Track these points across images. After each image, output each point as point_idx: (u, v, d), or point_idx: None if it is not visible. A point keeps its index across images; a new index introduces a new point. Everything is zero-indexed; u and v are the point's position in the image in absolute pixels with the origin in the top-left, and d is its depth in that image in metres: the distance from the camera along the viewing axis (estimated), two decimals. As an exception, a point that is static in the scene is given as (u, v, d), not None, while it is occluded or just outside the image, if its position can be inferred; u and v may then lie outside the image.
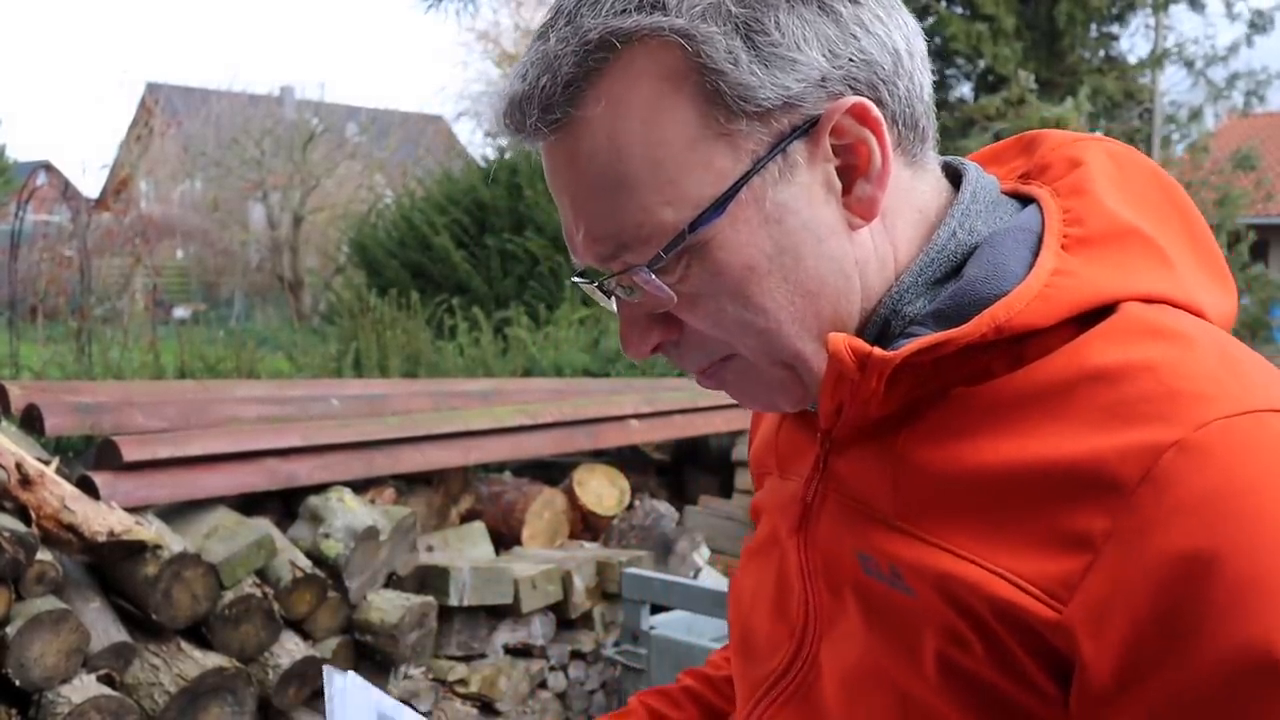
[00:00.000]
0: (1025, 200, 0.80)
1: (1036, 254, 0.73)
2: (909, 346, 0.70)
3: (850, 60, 0.72)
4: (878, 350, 0.70)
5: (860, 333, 0.76)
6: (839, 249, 0.74)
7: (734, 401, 0.84)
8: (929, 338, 0.70)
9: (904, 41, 0.75)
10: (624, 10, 0.70)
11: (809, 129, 0.72)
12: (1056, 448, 0.65)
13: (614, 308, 0.79)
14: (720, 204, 0.71)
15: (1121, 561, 0.62)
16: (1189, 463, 0.61)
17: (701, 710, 1.06)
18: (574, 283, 0.82)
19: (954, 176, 0.82)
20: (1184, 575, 0.60)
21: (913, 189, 0.77)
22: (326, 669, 0.99)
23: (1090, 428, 0.65)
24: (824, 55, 0.71)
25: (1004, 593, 0.65)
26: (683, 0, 0.70)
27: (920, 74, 0.76)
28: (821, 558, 0.78)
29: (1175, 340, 0.67)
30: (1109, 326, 0.69)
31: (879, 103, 0.73)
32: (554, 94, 0.71)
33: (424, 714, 3.37)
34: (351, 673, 1.01)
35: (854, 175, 0.73)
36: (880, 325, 0.76)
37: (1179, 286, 0.73)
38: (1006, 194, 0.82)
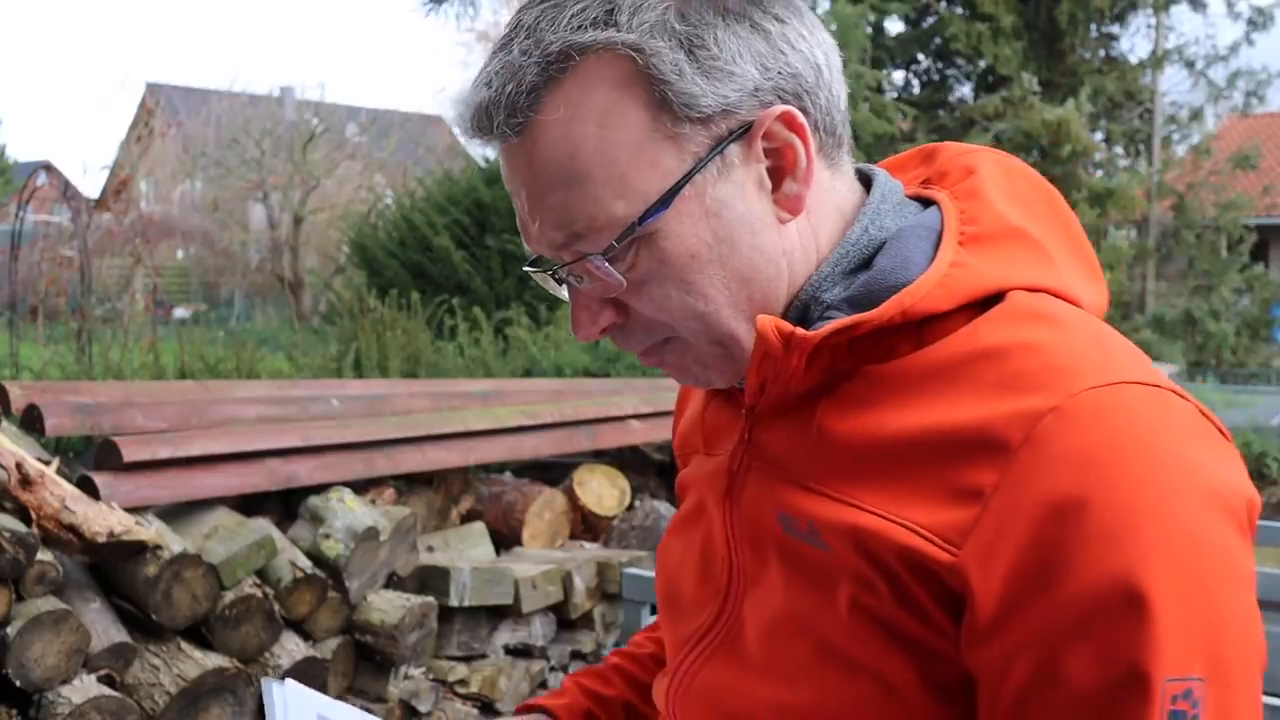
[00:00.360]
0: (925, 203, 0.90)
1: (937, 249, 0.83)
2: (827, 327, 0.80)
3: (779, 73, 0.82)
4: (800, 330, 0.80)
5: (784, 316, 0.85)
6: (770, 240, 0.83)
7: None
8: (844, 320, 0.80)
9: (824, 57, 0.85)
10: (581, 26, 0.79)
11: (744, 133, 0.81)
12: (953, 415, 0.76)
13: (564, 294, 0.88)
14: (667, 199, 0.80)
15: (1006, 508, 0.72)
16: (1063, 425, 0.72)
17: (629, 684, 1.16)
18: (525, 271, 0.91)
19: (865, 181, 0.92)
20: (1056, 518, 0.70)
21: (832, 189, 0.87)
22: (264, 681, 1.02)
23: (981, 398, 0.76)
24: (756, 68, 0.81)
25: (908, 541, 0.75)
26: (633, 17, 0.78)
27: (838, 86, 0.86)
28: (746, 521, 0.88)
29: (1053, 323, 0.78)
30: (998, 312, 0.80)
31: (804, 111, 0.82)
32: (518, 100, 0.79)
33: (425, 714, 3.38)
34: (290, 680, 1.03)
35: (782, 175, 0.83)
36: (801, 309, 0.85)
37: (1058, 279, 0.84)
38: (909, 198, 0.92)
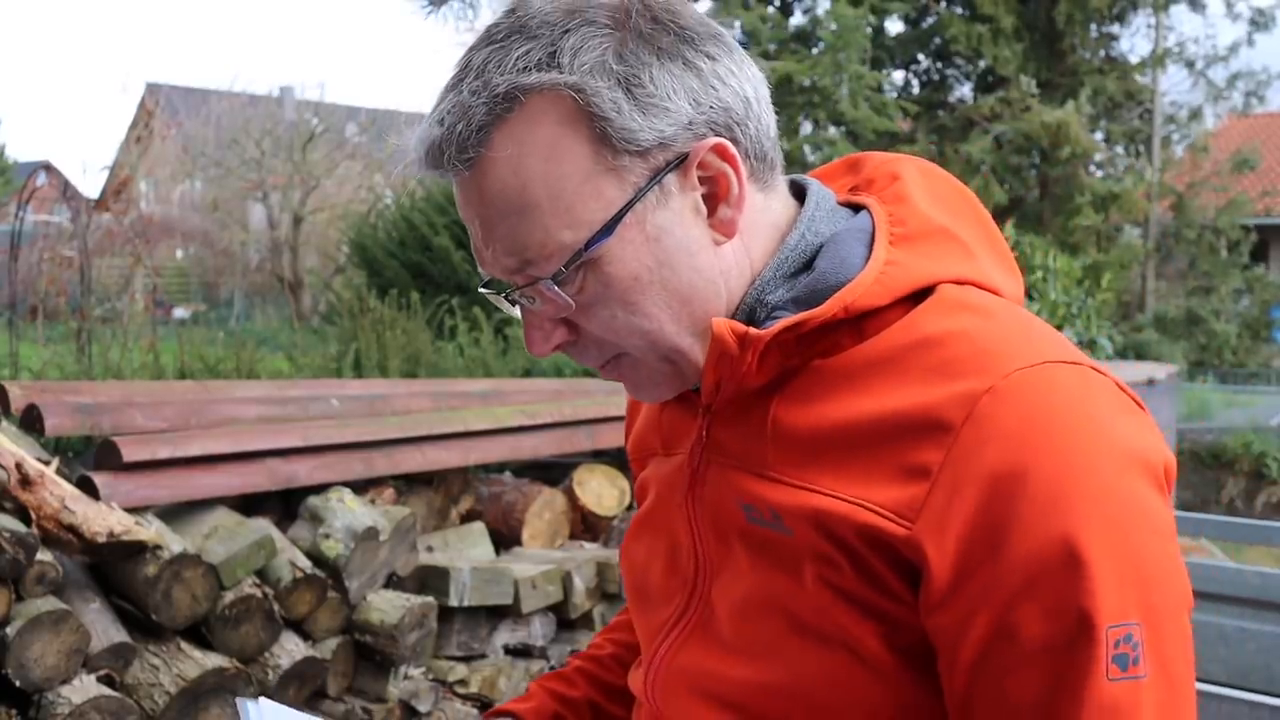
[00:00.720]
0: (855, 209, 0.97)
1: (869, 249, 0.91)
2: (777, 325, 0.87)
3: (711, 107, 0.88)
4: (753, 330, 0.87)
5: (731, 318, 0.91)
6: (707, 261, 0.89)
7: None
8: (793, 317, 0.87)
9: (753, 90, 0.91)
10: (526, 68, 0.84)
11: (679, 164, 0.87)
12: (897, 401, 0.83)
13: (517, 314, 0.94)
14: (610, 226, 0.86)
15: (953, 483, 0.79)
16: (1000, 403, 0.80)
17: (593, 684, 1.22)
18: (481, 292, 0.98)
19: (798, 191, 0.99)
20: (998, 489, 0.78)
21: (766, 208, 0.94)
22: (238, 700, 1.04)
23: (921, 383, 0.83)
24: (689, 104, 0.87)
25: (865, 519, 0.82)
26: (574, 59, 0.84)
27: (766, 116, 0.93)
28: (709, 513, 0.94)
29: (980, 312, 0.86)
30: (930, 304, 0.87)
31: (734, 141, 0.89)
32: (468, 137, 0.85)
33: (425, 714, 3.38)
34: (264, 699, 1.04)
35: (716, 201, 0.89)
36: (747, 313, 0.91)
37: (980, 272, 0.92)
38: (840, 204, 0.99)
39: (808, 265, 0.92)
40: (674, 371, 0.92)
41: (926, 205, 0.94)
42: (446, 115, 0.85)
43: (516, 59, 0.84)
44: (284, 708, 1.05)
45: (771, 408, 0.89)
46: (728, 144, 0.88)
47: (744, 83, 0.90)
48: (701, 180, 0.88)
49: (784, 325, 0.86)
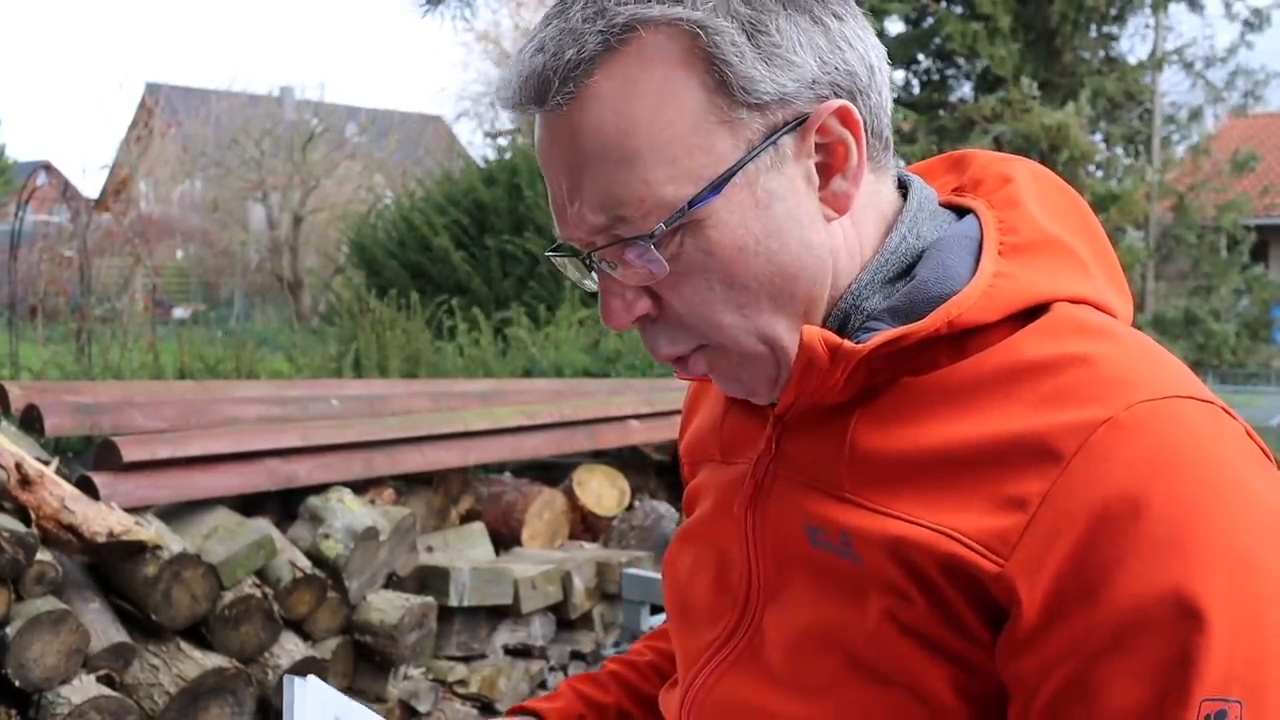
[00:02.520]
0: (958, 211, 0.89)
1: (976, 258, 0.82)
2: (875, 340, 0.78)
3: (836, 69, 0.80)
4: (847, 343, 0.78)
5: (824, 322, 0.83)
6: (817, 237, 0.81)
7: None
8: (892, 332, 0.78)
9: (876, 59, 0.84)
10: None
11: (798, 125, 0.79)
12: (1001, 426, 0.74)
13: (589, 284, 0.85)
14: (718, 185, 0.77)
15: (1055, 517, 0.70)
16: (1119, 436, 0.70)
17: (626, 692, 1.13)
18: (548, 256, 0.86)
19: (900, 187, 0.90)
20: (1107, 525, 0.68)
21: (876, 192, 0.85)
22: (286, 677, 0.99)
23: (1031, 410, 0.74)
24: (815, 61, 0.79)
25: (951, 549, 0.73)
26: None
27: (885, 90, 0.85)
28: (770, 532, 0.85)
29: (1102, 337, 0.77)
30: (1045, 324, 0.78)
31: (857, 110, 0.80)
32: (576, 67, 0.76)
33: (424, 714, 3.38)
34: (312, 677, 1.01)
35: (831, 172, 0.80)
36: (841, 319, 0.83)
37: (1097, 290, 0.83)
38: (941, 205, 0.90)
39: (907, 271, 0.83)
40: (770, 358, 0.82)
41: (1040, 213, 0.84)
42: (550, 42, 0.77)
43: None
44: (331, 689, 1.03)
45: (852, 424, 0.80)
46: (852, 108, 0.79)
47: (869, 49, 0.83)
48: (818, 147, 0.80)
49: (883, 340, 0.77)
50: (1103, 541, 0.68)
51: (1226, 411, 0.74)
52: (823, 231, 0.81)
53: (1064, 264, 0.82)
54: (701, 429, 1.01)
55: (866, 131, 0.81)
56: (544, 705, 1.12)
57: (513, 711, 1.12)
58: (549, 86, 0.77)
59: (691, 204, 0.77)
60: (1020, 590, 0.70)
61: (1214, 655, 0.66)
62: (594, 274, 0.83)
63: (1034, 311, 0.79)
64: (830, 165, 0.80)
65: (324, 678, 3.31)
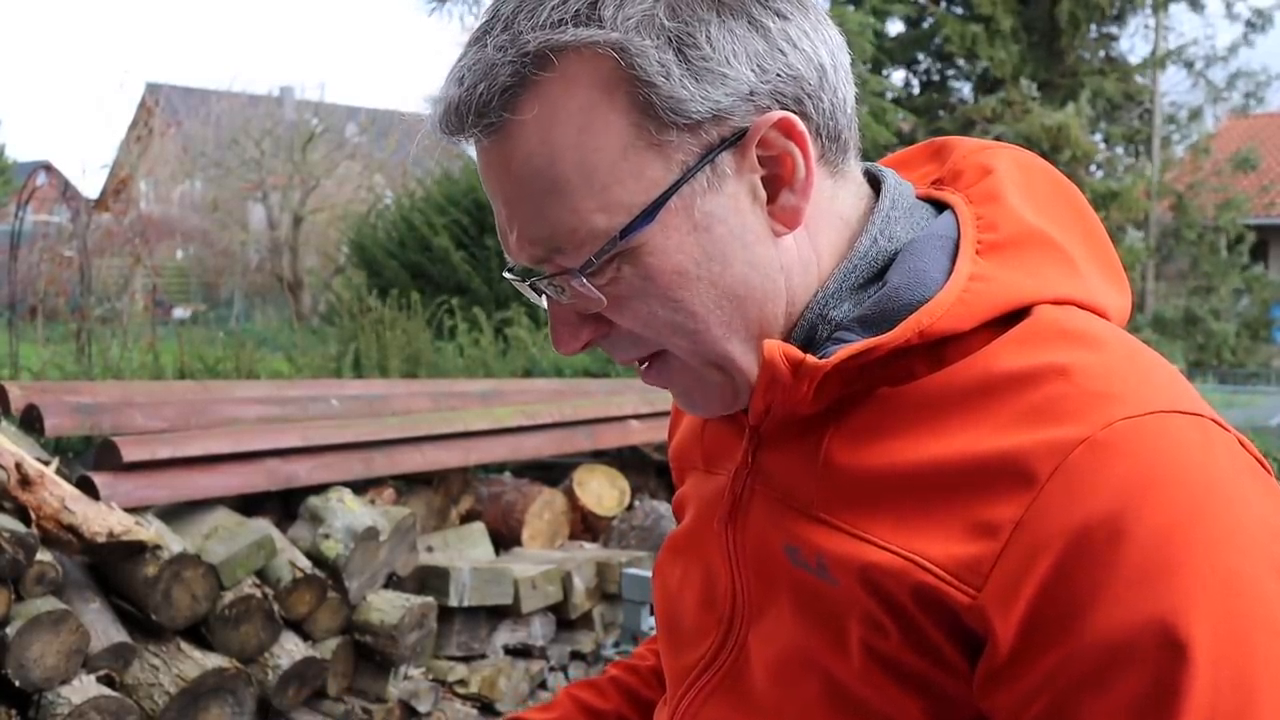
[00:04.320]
0: (938, 205, 0.84)
1: (953, 259, 0.77)
2: (839, 354, 0.74)
3: (778, 75, 0.75)
4: (810, 358, 0.74)
5: (788, 335, 0.79)
6: (764, 255, 0.77)
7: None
8: (858, 345, 0.74)
9: (829, 56, 0.78)
10: (560, 21, 0.72)
11: (736, 141, 0.74)
12: (974, 445, 0.69)
13: (544, 304, 0.82)
14: (651, 211, 0.74)
15: (1030, 544, 0.65)
16: (1097, 457, 0.65)
17: (627, 699, 1.10)
18: (505, 278, 0.84)
19: (874, 182, 0.85)
20: (1085, 552, 0.64)
21: (835, 197, 0.80)
22: None
23: (1006, 427, 0.69)
24: (752, 70, 0.74)
25: (922, 579, 0.69)
26: (618, 13, 0.72)
27: (844, 87, 0.79)
28: (751, 549, 0.81)
29: (1085, 343, 0.72)
30: (1023, 330, 0.73)
31: (804, 116, 0.76)
32: (490, 100, 0.73)
33: (424, 714, 3.38)
34: None
35: (779, 185, 0.76)
36: (807, 329, 0.79)
37: (1084, 289, 0.77)
38: (920, 199, 0.85)
39: (880, 276, 0.79)
40: (725, 381, 0.80)
41: (1023, 206, 0.79)
42: (467, 74, 0.74)
43: (552, 9, 0.72)
44: None
45: (826, 439, 0.76)
46: (794, 119, 0.74)
47: (819, 47, 0.77)
48: (762, 161, 0.75)
49: (848, 354, 0.73)
50: (1080, 569, 0.64)
51: (1217, 423, 0.70)
52: (772, 248, 0.77)
53: (1048, 262, 0.77)
54: (686, 435, 0.99)
55: (820, 136, 0.77)
56: (540, 716, 1.09)
57: None
58: (464, 119, 0.74)
59: (624, 234, 0.74)
60: (994, 621, 0.66)
61: (1198, 687, 0.62)
62: (544, 296, 0.81)
63: (1015, 316, 0.74)
64: (778, 177, 0.76)
65: (324, 678, 3.32)
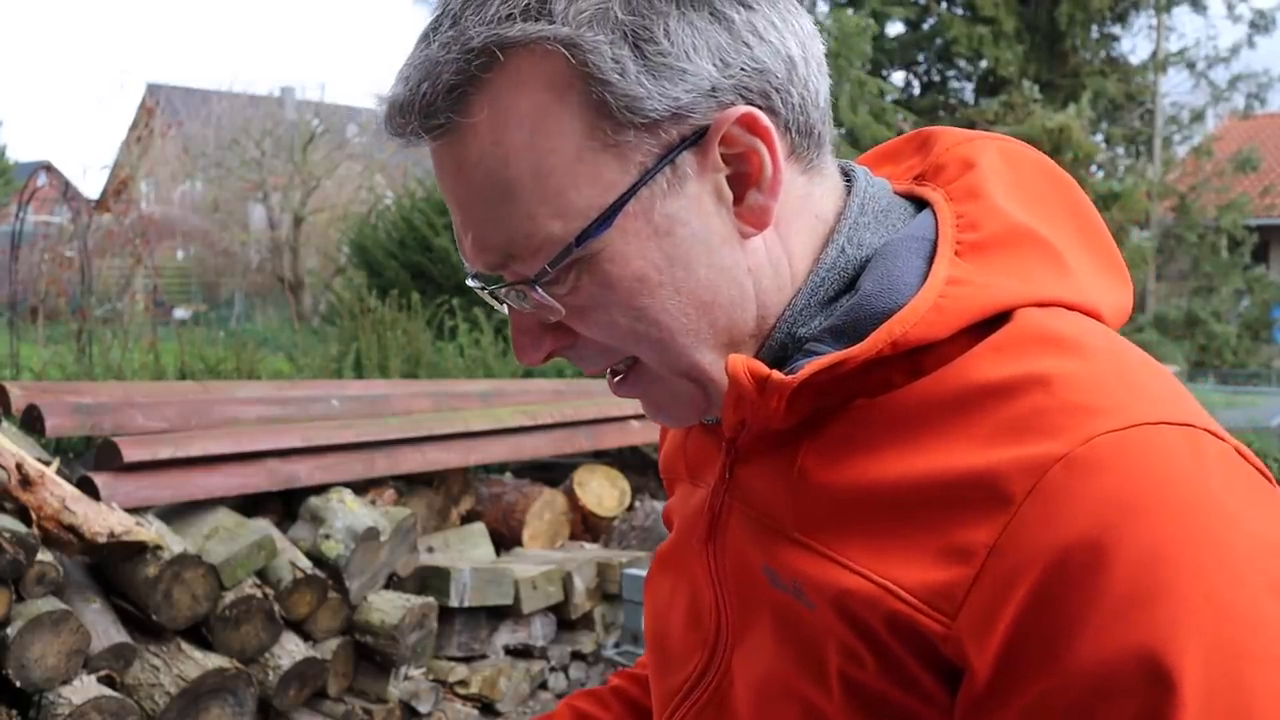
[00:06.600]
0: (919, 202, 0.80)
1: (931, 261, 0.73)
2: (806, 369, 0.70)
3: (742, 69, 0.71)
4: (776, 374, 0.70)
5: (759, 350, 0.76)
6: (731, 259, 0.73)
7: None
8: (826, 359, 0.70)
9: (799, 48, 0.74)
10: (509, 16, 0.68)
11: (698, 139, 0.71)
12: (949, 462, 0.65)
13: (506, 311, 0.78)
14: (608, 216, 0.70)
15: (1006, 571, 0.61)
16: (1075, 475, 0.61)
17: (628, 708, 1.06)
18: (468, 285, 0.81)
19: (849, 178, 0.81)
20: (1066, 579, 0.59)
21: (809, 195, 0.76)
22: None
23: (982, 442, 0.65)
24: (714, 64, 0.70)
25: (896, 607, 0.65)
26: (570, 7, 0.68)
27: (816, 80, 0.75)
28: (732, 569, 0.78)
29: (1068, 350, 0.67)
30: (1003, 337, 0.69)
31: (771, 111, 0.72)
32: (435, 100, 0.69)
33: (425, 714, 3.38)
34: None
35: (746, 184, 0.72)
36: (778, 346, 0.75)
37: (1074, 288, 0.73)
38: (902, 194, 0.81)
39: (852, 283, 0.75)
40: (696, 391, 0.77)
41: (1008, 201, 0.75)
42: (413, 71, 0.70)
43: (500, 3, 0.68)
44: None
45: (800, 454, 0.73)
46: (759, 114, 0.70)
47: (787, 38, 0.73)
48: (726, 159, 0.71)
49: (815, 369, 0.69)
50: (1059, 597, 0.59)
51: (1212, 433, 0.64)
52: (739, 251, 0.73)
53: (1033, 261, 0.72)
54: (672, 445, 0.95)
55: (790, 131, 0.73)
56: None
57: None
58: (409, 120, 0.71)
59: (580, 240, 0.70)
60: (970, 652, 0.62)
61: None
62: (505, 305, 0.77)
63: (997, 320, 0.69)
64: (744, 176, 0.72)
65: (325, 678, 3.32)
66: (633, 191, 0.70)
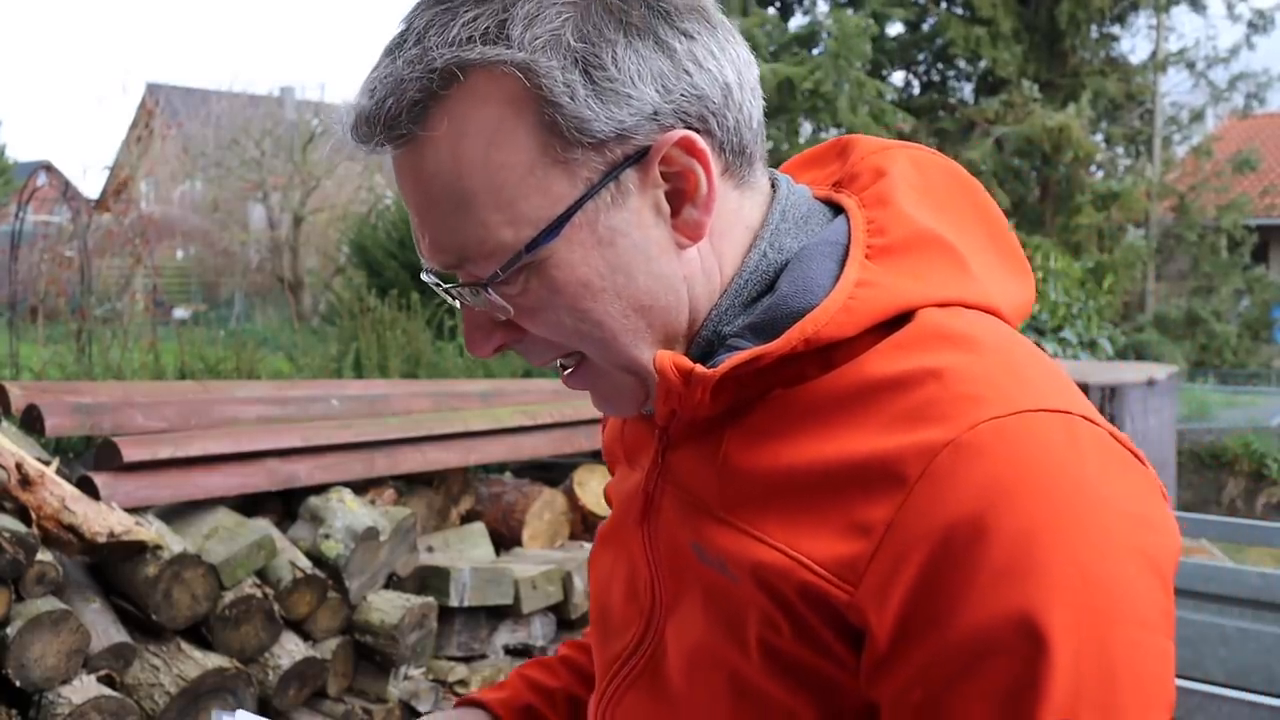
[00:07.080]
0: (837, 208, 0.86)
1: (843, 264, 0.80)
2: (726, 363, 0.77)
3: (682, 95, 0.78)
4: (699, 368, 0.78)
5: (688, 346, 0.83)
6: (668, 267, 0.80)
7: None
8: (744, 354, 0.77)
9: (735, 75, 0.81)
10: (469, 39, 0.74)
11: (640, 158, 0.77)
12: (854, 447, 0.73)
13: (459, 306, 0.85)
14: (555, 227, 0.77)
15: (900, 545, 0.69)
16: (960, 459, 0.68)
17: (575, 675, 1.14)
18: (424, 279, 0.87)
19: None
20: (951, 552, 0.67)
21: (740, 208, 0.83)
22: (215, 711, 1.02)
23: (883, 430, 0.72)
24: (657, 91, 0.77)
25: (805, 578, 0.73)
26: (526, 32, 0.74)
27: (750, 104, 0.82)
28: (664, 546, 0.85)
29: (962, 345, 0.74)
30: (904, 335, 0.76)
31: (708, 133, 0.79)
32: (399, 115, 0.76)
33: (425, 715, 3.38)
34: (240, 711, 1.02)
35: (682, 200, 0.79)
36: (704, 343, 0.83)
37: (974, 288, 0.80)
38: (821, 199, 0.88)
39: (772, 286, 0.82)
40: (637, 383, 0.84)
41: (915, 207, 0.82)
42: (379, 85, 0.77)
43: (462, 26, 0.74)
44: (258, 718, 1.05)
45: (725, 440, 0.80)
46: (696, 138, 0.78)
47: (724, 66, 0.80)
48: (665, 177, 0.78)
49: (734, 363, 0.77)
50: (947, 568, 0.67)
51: (1087, 418, 0.71)
52: (675, 260, 0.80)
53: (936, 264, 0.79)
54: (612, 431, 1.03)
55: (725, 151, 0.80)
56: (491, 695, 1.12)
57: (460, 703, 1.13)
58: (373, 131, 0.77)
59: (529, 247, 0.77)
60: (870, 618, 0.70)
61: (1058, 678, 0.65)
62: (459, 301, 0.84)
63: (901, 319, 0.77)
64: (681, 193, 0.79)
65: (324, 678, 3.32)
66: (579, 204, 0.77)
